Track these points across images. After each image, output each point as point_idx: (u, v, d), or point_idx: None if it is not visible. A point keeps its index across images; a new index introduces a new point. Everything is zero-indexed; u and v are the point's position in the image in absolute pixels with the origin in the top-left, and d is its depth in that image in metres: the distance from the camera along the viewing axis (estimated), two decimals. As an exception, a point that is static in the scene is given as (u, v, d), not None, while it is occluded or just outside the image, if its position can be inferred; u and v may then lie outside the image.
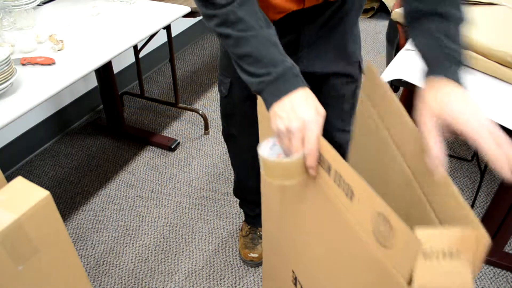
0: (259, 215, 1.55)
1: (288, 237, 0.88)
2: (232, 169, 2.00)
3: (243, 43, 0.76)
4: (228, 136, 1.31)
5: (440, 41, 0.69)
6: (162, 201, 1.86)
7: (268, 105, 0.74)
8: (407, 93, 1.80)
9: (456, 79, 0.65)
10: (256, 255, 1.58)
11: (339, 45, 1.07)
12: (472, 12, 1.39)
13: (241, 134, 1.25)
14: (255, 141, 1.25)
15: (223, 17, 0.77)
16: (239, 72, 0.82)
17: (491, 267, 1.58)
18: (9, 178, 0.75)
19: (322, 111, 0.71)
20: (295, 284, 0.90)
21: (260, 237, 1.61)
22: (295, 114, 0.69)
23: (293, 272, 0.91)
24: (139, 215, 1.79)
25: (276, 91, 0.72)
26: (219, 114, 1.30)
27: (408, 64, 1.28)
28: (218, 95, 1.24)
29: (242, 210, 1.62)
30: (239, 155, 1.35)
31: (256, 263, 1.58)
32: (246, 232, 1.62)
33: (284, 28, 0.97)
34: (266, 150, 0.75)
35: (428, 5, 0.73)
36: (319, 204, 0.71)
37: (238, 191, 1.54)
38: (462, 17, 0.73)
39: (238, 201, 1.84)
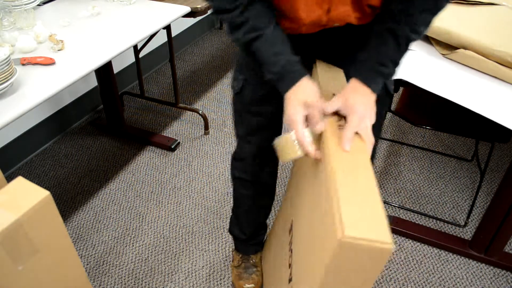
0: (250, 238, 1.47)
1: (297, 192, 1.07)
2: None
3: (247, 47, 0.86)
4: (236, 134, 1.25)
5: (380, 60, 0.85)
6: (162, 201, 1.86)
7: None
8: (407, 92, 1.80)
9: (373, 88, 0.85)
10: (252, 285, 1.47)
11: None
12: (472, 12, 1.39)
13: (247, 134, 1.20)
14: (260, 143, 1.21)
15: (230, 21, 0.85)
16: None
17: (491, 267, 1.58)
18: (9, 178, 0.74)
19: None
20: (289, 231, 1.09)
21: (254, 265, 1.50)
22: (294, 109, 0.84)
23: (292, 221, 1.08)
24: (139, 215, 1.79)
25: (282, 87, 0.87)
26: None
27: (408, 64, 1.27)
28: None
29: (231, 236, 1.52)
30: (243, 156, 1.27)
31: None
32: (238, 262, 1.51)
33: (302, 45, 0.95)
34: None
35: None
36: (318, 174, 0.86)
37: (235, 201, 1.43)
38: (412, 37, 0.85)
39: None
